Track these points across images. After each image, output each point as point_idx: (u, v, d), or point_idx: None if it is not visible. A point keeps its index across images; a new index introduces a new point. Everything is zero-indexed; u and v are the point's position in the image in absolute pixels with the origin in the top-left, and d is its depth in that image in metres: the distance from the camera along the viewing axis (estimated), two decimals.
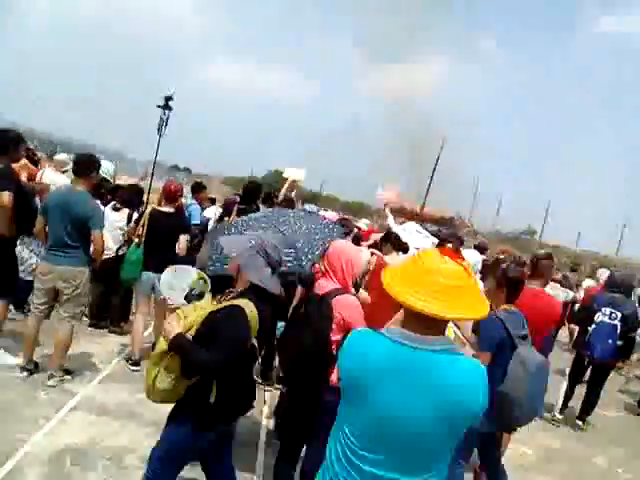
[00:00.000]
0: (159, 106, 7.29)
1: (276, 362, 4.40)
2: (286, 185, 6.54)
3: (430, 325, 1.57)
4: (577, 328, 5.68)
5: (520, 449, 4.59)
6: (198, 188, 7.19)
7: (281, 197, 6.33)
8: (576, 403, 5.65)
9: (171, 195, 4.83)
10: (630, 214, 41.52)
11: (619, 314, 5.10)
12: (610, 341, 5.01)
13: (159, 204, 5.02)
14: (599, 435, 5.47)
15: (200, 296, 2.98)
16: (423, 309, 1.52)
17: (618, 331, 5.06)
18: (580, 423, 5.48)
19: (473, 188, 41.92)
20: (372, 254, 4.32)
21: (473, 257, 6.47)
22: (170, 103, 7.30)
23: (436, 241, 5.33)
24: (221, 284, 2.76)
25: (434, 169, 36.23)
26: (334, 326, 2.81)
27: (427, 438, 1.55)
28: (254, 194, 5.40)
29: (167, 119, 7.26)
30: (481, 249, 7.94)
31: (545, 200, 45.12)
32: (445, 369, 1.56)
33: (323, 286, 2.93)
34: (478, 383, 1.58)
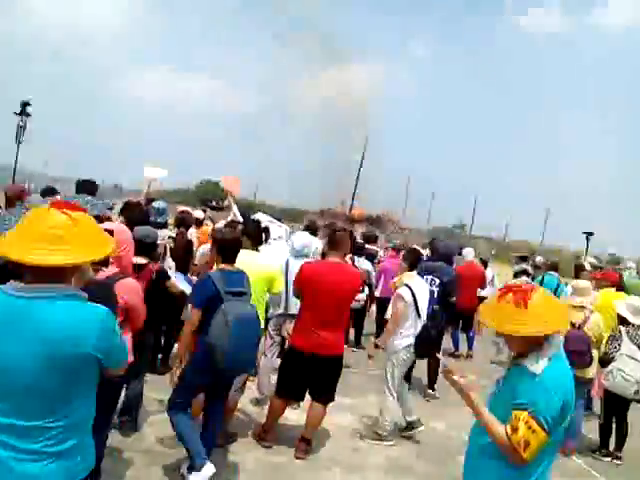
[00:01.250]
0: (16, 113, 7.30)
1: None
2: (146, 187, 6.78)
3: (45, 274, 1.62)
4: None
5: None
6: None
7: (144, 196, 6.53)
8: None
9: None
10: (551, 204, 43.90)
11: (438, 280, 5.57)
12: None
13: None
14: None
15: None
16: (21, 259, 1.58)
17: (435, 296, 5.50)
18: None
19: (406, 187, 43.30)
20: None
21: None
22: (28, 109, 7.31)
23: (282, 226, 5.66)
24: None
25: (359, 169, 37.23)
26: (117, 310, 2.98)
27: (41, 384, 1.61)
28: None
29: (25, 125, 7.28)
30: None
31: (474, 194, 47.09)
32: (55, 313, 1.62)
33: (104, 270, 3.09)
34: (90, 324, 1.68)
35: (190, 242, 5.67)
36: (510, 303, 2.06)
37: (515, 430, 1.98)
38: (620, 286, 6.83)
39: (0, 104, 34.69)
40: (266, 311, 4.46)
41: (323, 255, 5.00)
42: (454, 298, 5.77)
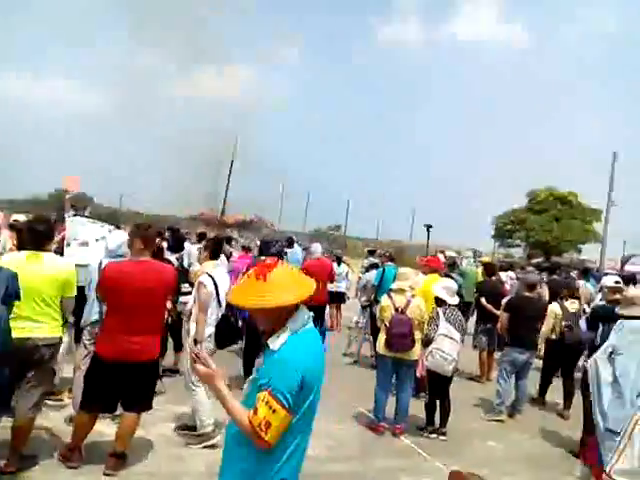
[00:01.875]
0: None
1: None
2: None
3: None
4: None
5: None
6: None
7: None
8: None
9: None
10: (416, 203, 46.85)
11: None
12: None
13: None
14: None
15: None
16: None
17: None
18: None
19: (281, 193, 43.55)
20: None
21: None
22: None
23: (104, 226, 5.24)
24: None
25: (229, 174, 36.72)
26: None
27: None
28: None
29: None
30: None
31: (348, 197, 48.80)
32: None
33: None
34: None
35: None
36: (252, 277, 1.99)
37: (256, 412, 1.88)
38: (446, 273, 7.38)
39: None
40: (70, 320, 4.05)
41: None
42: None
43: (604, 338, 4.78)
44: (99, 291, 3.88)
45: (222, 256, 6.01)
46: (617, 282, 5.79)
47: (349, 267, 11.50)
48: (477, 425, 5.85)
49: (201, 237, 9.91)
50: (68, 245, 4.80)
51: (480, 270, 9.60)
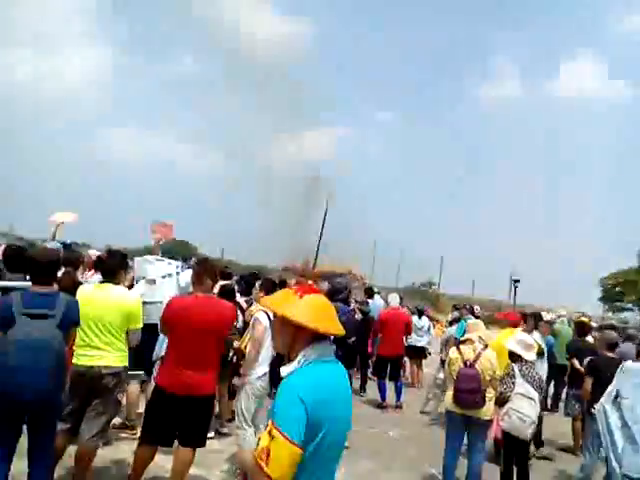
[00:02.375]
0: None
1: None
2: (54, 228, 6.71)
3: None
4: None
5: None
6: None
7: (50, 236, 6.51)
8: None
9: None
10: (517, 266, 44.66)
11: None
12: None
13: None
14: None
15: None
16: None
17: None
18: None
19: (373, 250, 43.76)
20: None
21: None
22: None
23: (172, 263, 5.54)
24: None
25: (322, 225, 37.54)
26: None
27: None
28: None
29: None
30: None
31: (440, 254, 47.80)
32: None
33: None
34: None
35: (78, 283, 5.48)
36: (291, 291, 2.06)
37: (258, 443, 1.80)
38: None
39: None
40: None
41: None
42: (353, 339, 5.64)
43: None
44: (161, 324, 4.06)
45: None
46: None
47: (433, 321, 11.13)
48: None
49: (281, 284, 10.10)
50: (136, 283, 5.03)
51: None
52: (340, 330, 2.01)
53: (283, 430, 1.76)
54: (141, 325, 4.01)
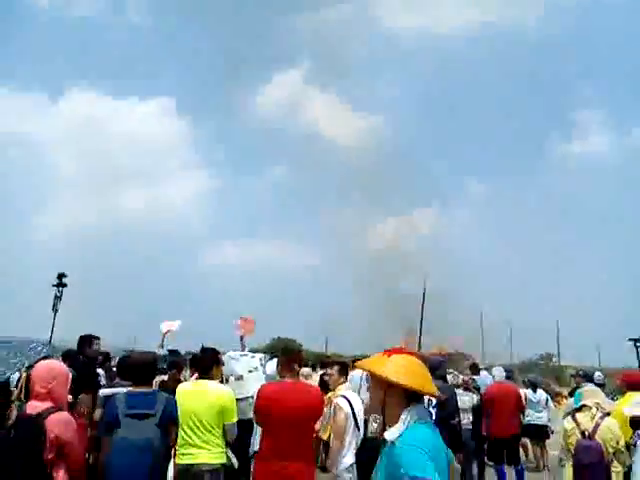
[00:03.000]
0: (54, 285, 8.21)
1: None
2: (162, 337, 7.24)
3: None
4: None
5: None
6: None
7: (159, 344, 6.99)
8: None
9: None
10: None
11: (434, 400, 5.21)
12: None
13: None
14: None
15: None
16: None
17: (433, 417, 5.12)
18: None
19: (479, 323, 41.71)
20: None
21: None
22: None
23: (255, 356, 5.70)
24: None
25: (422, 308, 36.58)
26: (48, 445, 2.98)
27: None
28: None
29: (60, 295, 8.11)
30: None
31: (554, 323, 44.50)
32: None
33: (35, 406, 3.12)
34: None
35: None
36: (383, 354, 2.18)
37: None
38: None
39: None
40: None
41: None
42: (456, 419, 5.32)
43: None
44: (255, 414, 4.12)
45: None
46: None
47: (550, 394, 10.19)
48: None
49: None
50: (226, 382, 5.14)
51: None
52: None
53: (425, 476, 1.87)
54: (236, 419, 4.11)
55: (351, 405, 4.30)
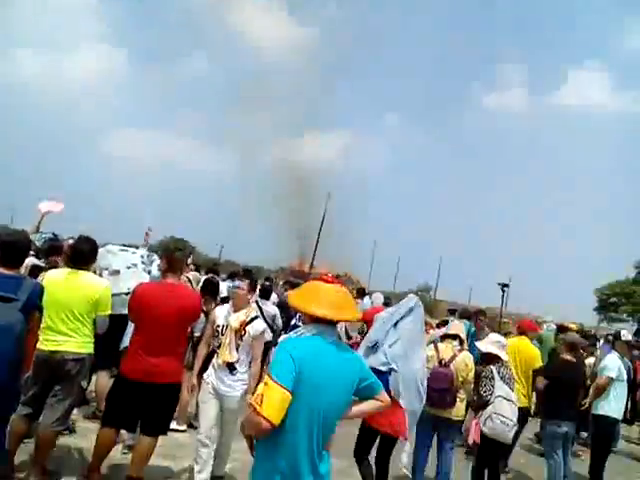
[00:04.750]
0: None
1: None
2: (39, 218, 6.60)
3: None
4: None
5: None
6: None
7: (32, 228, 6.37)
8: None
9: None
10: (515, 270, 44.62)
11: None
12: None
13: None
14: None
15: None
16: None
17: None
18: None
19: (372, 251, 43.72)
20: None
21: None
22: None
23: (137, 252, 5.49)
24: None
25: (321, 225, 37.55)
26: None
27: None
28: None
29: None
30: None
31: (437, 258, 47.77)
32: None
33: None
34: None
35: None
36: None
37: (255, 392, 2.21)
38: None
39: None
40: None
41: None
42: None
43: None
44: (129, 311, 4.01)
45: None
46: None
47: None
48: None
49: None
50: (100, 275, 4.85)
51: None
52: (320, 312, 2.25)
53: (274, 376, 2.12)
54: (109, 312, 3.98)
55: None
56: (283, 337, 2.48)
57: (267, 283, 9.14)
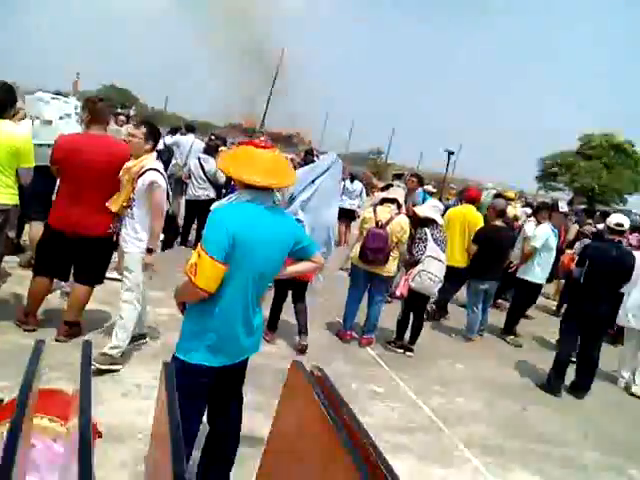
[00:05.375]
0: None
1: None
2: None
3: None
4: None
5: None
6: None
7: None
8: None
9: None
10: (463, 137, 44.92)
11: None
12: None
13: None
14: None
15: None
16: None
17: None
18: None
19: (326, 113, 42.45)
20: None
21: None
22: None
23: (70, 102, 5.11)
24: None
25: (273, 82, 35.84)
26: None
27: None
28: None
29: None
30: None
31: (392, 124, 47.23)
32: None
33: None
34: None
35: None
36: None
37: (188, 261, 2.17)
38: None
39: None
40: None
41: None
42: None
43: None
44: (51, 162, 3.83)
45: None
46: (618, 224, 5.30)
47: (366, 187, 11.31)
48: (447, 348, 5.79)
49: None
50: (31, 124, 4.59)
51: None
52: (252, 179, 2.18)
53: (207, 250, 2.11)
54: (33, 163, 3.77)
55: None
56: (216, 204, 2.34)
57: (213, 139, 8.84)
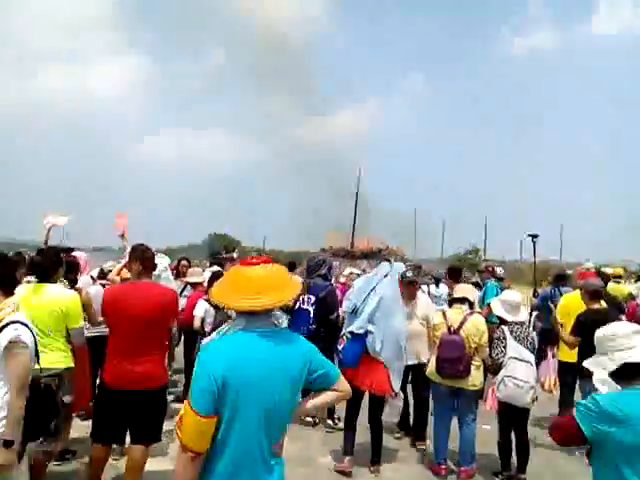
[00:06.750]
0: None
1: None
2: (46, 233, 6.58)
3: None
4: None
5: None
6: None
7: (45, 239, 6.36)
8: None
9: None
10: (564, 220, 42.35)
11: (313, 298, 5.13)
12: (303, 328, 4.97)
13: None
14: None
15: None
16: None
17: (312, 315, 5.08)
18: None
19: (414, 220, 42.66)
20: None
21: None
22: None
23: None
24: None
25: (356, 201, 36.98)
26: None
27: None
28: None
29: None
30: None
31: (484, 219, 46.08)
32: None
33: None
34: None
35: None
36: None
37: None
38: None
39: None
40: None
41: None
42: (335, 315, 5.28)
43: None
44: (103, 316, 3.86)
45: None
46: None
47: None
48: (571, 468, 4.75)
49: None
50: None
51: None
52: (237, 304, 1.98)
53: (191, 403, 1.87)
54: (81, 324, 3.84)
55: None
56: (206, 339, 2.21)
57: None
